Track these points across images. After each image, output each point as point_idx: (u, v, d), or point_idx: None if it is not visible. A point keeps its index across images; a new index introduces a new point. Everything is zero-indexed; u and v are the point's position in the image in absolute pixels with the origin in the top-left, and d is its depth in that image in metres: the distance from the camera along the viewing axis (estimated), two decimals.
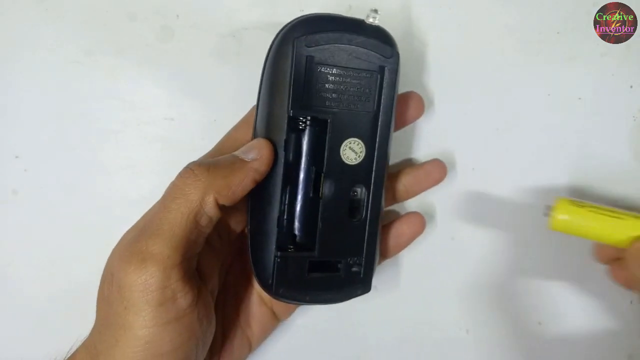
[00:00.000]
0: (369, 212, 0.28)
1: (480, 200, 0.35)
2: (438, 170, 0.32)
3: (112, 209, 0.32)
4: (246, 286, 0.31)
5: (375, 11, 0.26)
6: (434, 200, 0.35)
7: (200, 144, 0.32)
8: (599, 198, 0.36)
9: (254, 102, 0.28)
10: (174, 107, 0.32)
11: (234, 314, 0.30)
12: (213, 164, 0.25)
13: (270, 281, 0.27)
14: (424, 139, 0.34)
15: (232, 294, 0.30)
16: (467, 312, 0.36)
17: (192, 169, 0.24)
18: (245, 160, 0.25)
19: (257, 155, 0.25)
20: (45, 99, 0.31)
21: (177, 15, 0.32)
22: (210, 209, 0.24)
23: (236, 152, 0.26)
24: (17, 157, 0.32)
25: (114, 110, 0.32)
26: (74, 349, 0.26)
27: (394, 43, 0.27)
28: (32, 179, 0.32)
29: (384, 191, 0.28)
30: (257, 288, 0.31)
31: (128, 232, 0.26)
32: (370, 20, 0.26)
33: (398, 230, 0.32)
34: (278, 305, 0.31)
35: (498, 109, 0.35)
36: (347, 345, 0.36)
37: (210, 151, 0.29)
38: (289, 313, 0.32)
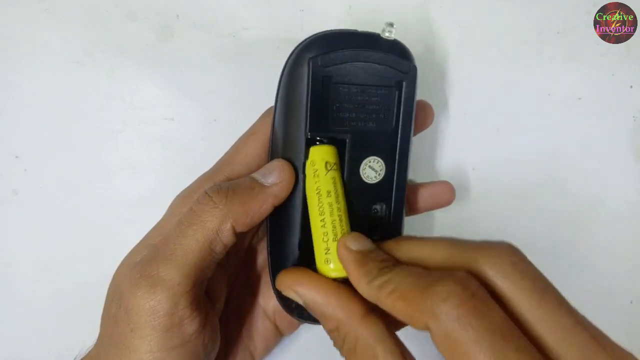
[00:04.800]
0: (390, 230, 0.27)
1: (480, 200, 0.35)
2: (447, 193, 0.30)
3: (112, 209, 0.32)
4: (249, 300, 0.31)
5: (391, 25, 0.25)
6: None
7: (200, 144, 0.32)
8: (599, 198, 0.36)
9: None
10: (174, 107, 0.32)
11: (237, 328, 0.30)
12: (232, 189, 0.24)
13: (293, 305, 0.26)
14: (424, 139, 0.34)
15: (236, 308, 0.30)
16: None
17: (211, 196, 0.24)
18: (265, 185, 0.25)
19: (277, 179, 0.25)
20: (46, 99, 0.31)
21: (177, 15, 0.32)
22: (227, 237, 0.24)
23: (255, 175, 0.25)
24: (17, 157, 0.32)
25: (114, 110, 0.32)
26: (79, 358, 0.26)
27: (411, 57, 0.26)
28: (32, 179, 0.32)
29: (404, 207, 0.27)
30: (260, 302, 0.31)
31: (137, 250, 0.26)
32: (386, 35, 0.25)
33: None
34: (281, 320, 0.31)
35: (498, 109, 0.35)
36: None
37: (218, 164, 0.28)
38: (293, 328, 0.32)
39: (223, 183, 0.25)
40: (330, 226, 0.24)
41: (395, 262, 0.22)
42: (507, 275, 0.20)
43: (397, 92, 0.26)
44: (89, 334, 0.26)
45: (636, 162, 0.36)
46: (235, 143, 0.28)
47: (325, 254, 0.24)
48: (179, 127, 0.32)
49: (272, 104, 0.27)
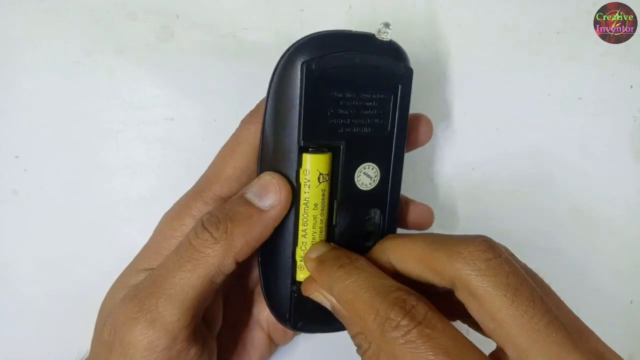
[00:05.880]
0: (385, 236, 0.26)
1: (480, 200, 0.35)
2: (426, 217, 0.30)
3: (112, 209, 0.32)
4: (243, 312, 0.30)
5: (387, 25, 0.24)
6: (434, 199, 0.35)
7: (200, 144, 0.32)
8: (598, 198, 0.36)
9: (254, 103, 0.28)
10: (174, 107, 0.32)
11: (231, 341, 0.30)
12: (230, 221, 0.23)
13: (287, 315, 0.26)
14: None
15: (230, 320, 0.29)
16: None
17: (210, 231, 0.23)
18: (263, 211, 0.23)
19: (275, 201, 0.23)
20: (45, 99, 0.31)
21: (177, 15, 0.32)
22: (228, 269, 0.23)
23: (250, 197, 0.24)
24: (17, 157, 0.32)
25: (114, 110, 0.32)
26: None
27: (406, 58, 0.25)
28: (32, 179, 0.32)
29: (398, 212, 0.27)
30: (254, 313, 0.30)
31: (129, 272, 0.26)
32: (382, 36, 0.24)
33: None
34: (275, 330, 0.31)
35: (498, 109, 0.35)
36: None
37: (206, 179, 0.27)
38: (287, 339, 0.32)
39: (219, 212, 0.24)
40: (311, 237, 0.25)
41: (352, 267, 0.22)
42: (480, 273, 0.20)
43: (392, 96, 0.25)
44: (88, 334, 0.26)
45: (636, 162, 0.36)
46: (221, 154, 0.27)
47: (300, 261, 0.25)
48: (179, 127, 0.32)
49: None
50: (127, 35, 0.31)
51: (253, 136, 0.26)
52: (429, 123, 0.29)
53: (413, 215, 0.29)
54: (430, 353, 0.19)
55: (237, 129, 0.27)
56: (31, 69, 0.31)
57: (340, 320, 0.24)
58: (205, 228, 0.23)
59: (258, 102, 0.27)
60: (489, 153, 0.35)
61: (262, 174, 0.24)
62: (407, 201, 0.30)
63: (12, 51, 0.31)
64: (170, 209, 0.26)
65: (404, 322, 0.19)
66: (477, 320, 0.21)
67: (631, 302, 0.37)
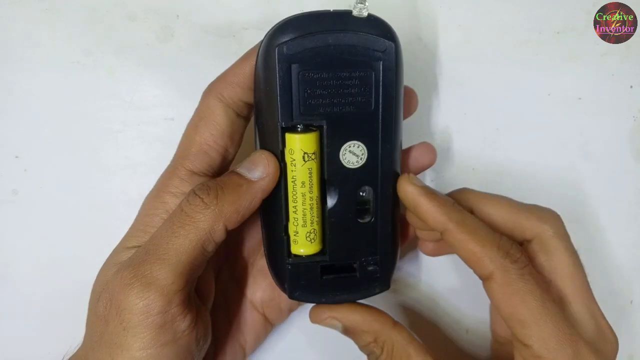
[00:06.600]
0: (378, 212, 0.27)
1: None
2: (427, 154, 0.30)
3: (112, 209, 0.32)
4: (236, 293, 0.31)
5: (362, 1, 0.24)
6: None
7: None
8: (598, 198, 0.36)
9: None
10: (174, 107, 0.32)
11: (225, 322, 0.30)
12: (220, 188, 0.24)
13: (285, 285, 0.27)
14: (424, 139, 0.34)
15: (222, 301, 0.30)
16: (467, 312, 0.36)
17: (201, 197, 0.24)
18: (252, 181, 0.25)
19: (263, 173, 0.25)
20: (46, 99, 0.31)
21: (177, 15, 0.32)
22: (219, 236, 0.24)
23: (241, 170, 0.25)
24: (17, 157, 0.32)
25: (114, 110, 0.32)
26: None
27: (387, 34, 0.24)
28: (32, 179, 0.32)
29: (392, 189, 0.27)
30: (247, 294, 0.31)
31: (119, 251, 0.26)
32: (356, 12, 0.24)
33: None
34: (270, 310, 0.31)
35: (498, 109, 0.35)
36: (345, 346, 0.36)
37: (176, 158, 0.27)
38: (283, 317, 0.32)
39: (211, 182, 0.25)
40: (301, 213, 0.25)
41: (463, 209, 0.26)
42: (558, 236, 0.27)
43: (373, 73, 0.25)
44: (78, 347, 0.26)
45: (636, 162, 0.36)
46: (186, 131, 0.28)
47: (294, 235, 0.26)
48: (179, 127, 0.32)
49: None
50: (127, 35, 0.31)
51: (211, 110, 0.27)
52: (412, 93, 0.29)
53: (412, 159, 0.30)
54: (536, 287, 0.24)
55: (198, 103, 0.28)
56: (31, 69, 0.31)
57: (353, 336, 0.28)
58: (196, 195, 0.24)
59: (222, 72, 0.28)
60: (489, 153, 0.35)
61: (253, 152, 0.26)
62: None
63: (12, 51, 0.31)
64: (150, 191, 0.28)
65: (521, 259, 0.25)
66: (541, 267, 0.27)
67: (631, 302, 0.37)
